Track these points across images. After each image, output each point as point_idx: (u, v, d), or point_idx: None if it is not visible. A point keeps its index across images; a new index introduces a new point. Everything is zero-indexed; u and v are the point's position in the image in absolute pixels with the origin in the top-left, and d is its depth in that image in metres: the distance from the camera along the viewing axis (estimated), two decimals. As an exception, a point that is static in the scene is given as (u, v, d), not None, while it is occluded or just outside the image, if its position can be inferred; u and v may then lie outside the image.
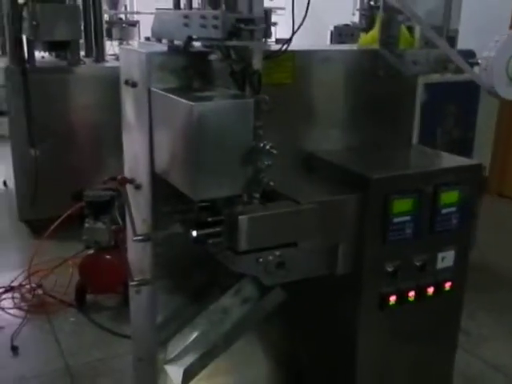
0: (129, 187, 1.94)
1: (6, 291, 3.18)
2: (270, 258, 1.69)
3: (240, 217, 1.55)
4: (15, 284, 3.23)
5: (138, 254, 1.99)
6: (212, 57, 1.72)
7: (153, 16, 5.43)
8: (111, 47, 6.81)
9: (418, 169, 1.93)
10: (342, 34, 5.30)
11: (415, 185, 1.84)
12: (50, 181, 3.89)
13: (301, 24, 1.81)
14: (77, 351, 2.75)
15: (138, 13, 7.56)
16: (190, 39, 1.69)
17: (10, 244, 3.92)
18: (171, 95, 1.59)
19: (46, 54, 4.38)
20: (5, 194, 4.55)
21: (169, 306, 1.99)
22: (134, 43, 7.34)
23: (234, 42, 1.54)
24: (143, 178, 1.84)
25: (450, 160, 2.03)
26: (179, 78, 1.75)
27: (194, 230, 1.62)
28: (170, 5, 5.94)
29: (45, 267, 3.25)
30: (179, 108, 1.53)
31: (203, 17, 1.59)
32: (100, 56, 4.27)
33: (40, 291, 3.16)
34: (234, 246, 1.60)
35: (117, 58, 6.66)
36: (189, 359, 1.84)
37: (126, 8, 7.64)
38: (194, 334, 1.92)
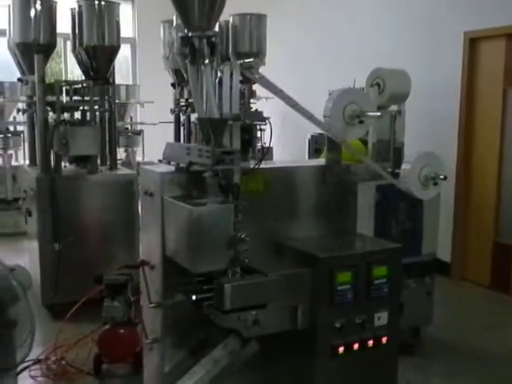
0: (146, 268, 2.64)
1: (35, 363, 3.76)
2: (248, 316, 2.37)
3: (225, 285, 2.24)
4: (42, 357, 3.81)
5: (151, 318, 2.65)
6: (206, 174, 2.48)
7: (154, 126, 6.37)
8: (118, 153, 7.66)
9: (354, 250, 2.66)
10: (317, 141, 6.21)
11: (353, 262, 2.55)
12: (69, 270, 4.55)
13: (267, 150, 2.61)
14: (96, 409, 3.33)
15: (141, 123, 8.48)
16: (190, 163, 2.46)
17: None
18: (178, 202, 2.35)
19: (67, 164, 5.17)
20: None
21: (174, 358, 2.64)
22: (139, 149, 8.24)
23: (220, 167, 2.31)
24: (157, 260, 2.54)
25: (379, 244, 2.76)
26: (183, 189, 2.51)
27: (193, 295, 2.32)
28: (171, 118, 6.90)
29: (67, 343, 3.85)
30: (183, 211, 2.27)
31: (200, 150, 2.38)
32: (113, 165, 5.10)
33: (63, 362, 3.75)
34: (221, 306, 2.27)
35: (123, 163, 7.52)
36: (189, 395, 2.46)
37: (131, 119, 8.59)
38: (194, 379, 2.54)
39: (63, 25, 5.27)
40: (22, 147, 7.59)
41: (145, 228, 2.75)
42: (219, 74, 2.43)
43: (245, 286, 2.29)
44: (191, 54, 2.37)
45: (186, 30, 2.36)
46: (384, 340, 2.65)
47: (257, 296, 2.34)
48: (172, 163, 2.63)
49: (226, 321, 2.36)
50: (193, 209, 2.19)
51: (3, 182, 7.42)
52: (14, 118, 7.66)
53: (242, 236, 2.25)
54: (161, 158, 2.76)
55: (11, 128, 7.74)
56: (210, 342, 2.61)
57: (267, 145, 2.83)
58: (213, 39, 2.38)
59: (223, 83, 2.35)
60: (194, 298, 2.30)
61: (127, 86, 8.43)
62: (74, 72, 9.63)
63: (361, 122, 2.72)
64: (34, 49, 4.63)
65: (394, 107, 4.09)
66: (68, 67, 9.86)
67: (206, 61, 2.33)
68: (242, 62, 2.32)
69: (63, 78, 8.78)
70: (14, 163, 7.58)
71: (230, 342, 2.55)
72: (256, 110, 2.90)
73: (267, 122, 2.48)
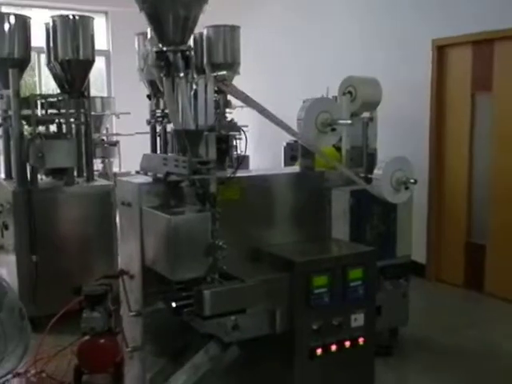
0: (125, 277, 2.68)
1: (14, 376, 3.75)
2: (228, 321, 2.43)
3: (204, 291, 2.29)
4: (21, 370, 3.80)
5: (131, 326, 2.68)
6: (183, 184, 2.54)
7: (130, 137, 6.34)
8: (95, 164, 7.63)
9: (330, 254, 2.74)
10: (293, 148, 6.30)
11: (328, 265, 2.62)
12: (47, 282, 4.56)
13: (242, 159, 2.68)
14: (78, 419, 3.34)
15: (117, 134, 8.48)
16: (167, 173, 2.52)
17: (13, 339, 4.50)
18: (156, 211, 2.40)
19: (43, 176, 5.17)
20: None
21: (155, 365, 2.68)
22: (115, 161, 8.24)
23: (196, 176, 2.37)
24: (136, 269, 2.59)
25: (354, 247, 2.85)
26: (160, 198, 2.55)
27: (173, 302, 2.37)
28: (147, 129, 6.93)
29: (46, 355, 3.84)
30: (162, 220, 2.32)
31: (176, 160, 2.43)
32: (90, 176, 5.12)
33: (43, 375, 3.75)
34: (201, 312, 2.33)
35: (100, 174, 7.52)
36: (172, 401, 2.50)
37: (107, 130, 8.58)
38: (176, 384, 2.59)
39: (37, 39, 5.29)
40: (-4, 161, 7.54)
41: (123, 238, 2.79)
42: (194, 87, 2.50)
43: (223, 292, 2.35)
44: (166, 68, 2.44)
45: (160, 45, 2.43)
46: (361, 341, 2.73)
47: (236, 301, 2.39)
48: (149, 174, 2.68)
49: (206, 327, 2.41)
50: (171, 218, 2.25)
51: (-22, 197, 7.36)
52: (-12, 131, 7.60)
53: (220, 243, 2.31)
54: (138, 168, 2.81)
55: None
56: (190, 349, 2.66)
57: (243, 153, 2.90)
58: (187, 53, 2.45)
59: (198, 96, 2.41)
60: (174, 305, 2.34)
61: (102, 97, 8.42)
62: (48, 85, 9.62)
63: (333, 129, 2.81)
64: (8, 63, 4.64)
65: (366, 114, 4.22)
66: (42, 80, 9.82)
67: (181, 74, 2.39)
68: (215, 74, 2.38)
69: (37, 91, 8.75)
70: (-12, 177, 7.52)
71: (210, 347, 2.60)
72: (231, 120, 2.97)
73: (242, 132, 2.54)
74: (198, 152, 2.43)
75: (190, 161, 2.34)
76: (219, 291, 2.34)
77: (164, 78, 2.47)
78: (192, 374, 2.58)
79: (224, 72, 2.36)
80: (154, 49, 2.42)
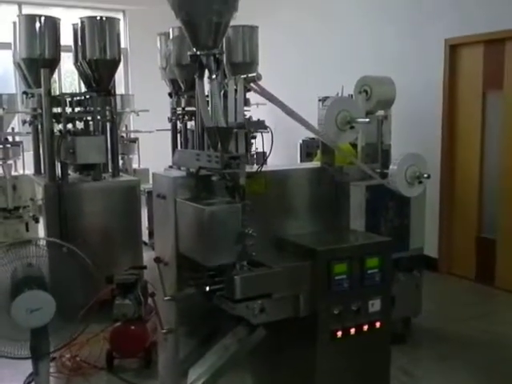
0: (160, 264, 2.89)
1: (50, 360, 3.98)
2: (255, 305, 2.62)
3: (235, 277, 2.49)
4: (56, 355, 4.03)
5: (166, 310, 2.89)
6: (213, 178, 2.74)
7: (148, 134, 6.60)
8: (115, 161, 7.81)
9: (349, 244, 2.93)
10: (308, 146, 6.50)
11: (348, 254, 2.81)
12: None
13: (268, 155, 2.89)
14: (112, 399, 3.58)
15: (136, 131, 8.71)
16: (200, 168, 2.72)
17: (46, 325, 4.75)
18: (190, 203, 2.60)
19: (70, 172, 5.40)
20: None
21: (187, 346, 2.89)
22: (134, 157, 8.46)
23: (228, 170, 2.56)
24: (170, 256, 2.80)
25: (371, 237, 3.04)
26: (193, 191, 2.76)
27: (206, 287, 2.57)
28: (168, 126, 7.13)
29: (79, 341, 4.06)
30: (196, 210, 2.52)
31: (209, 155, 2.64)
32: (116, 172, 5.35)
33: (78, 359, 3.98)
34: (232, 296, 2.53)
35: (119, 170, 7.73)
36: (204, 378, 2.71)
37: (126, 127, 8.81)
38: (206, 364, 2.80)
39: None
40: (21, 157, 7.78)
41: (158, 228, 3.00)
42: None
43: (252, 278, 2.54)
44: (199, 70, 2.64)
45: (194, 49, 2.63)
46: (377, 325, 2.91)
47: (263, 286, 2.58)
48: (182, 168, 2.88)
49: (236, 309, 2.60)
50: (205, 208, 2.45)
51: (3, 192, 7.60)
52: (13, 128, 7.85)
53: (250, 232, 2.50)
54: (155, 165, 3.01)
55: (10, 138, 7.92)
56: (219, 332, 2.86)
57: (265, 150, 3.10)
58: (218, 56, 2.65)
59: (228, 95, 2.61)
60: (207, 289, 2.55)
61: (122, 95, 8.64)
62: (65, 81, 9.88)
63: (352, 127, 2.99)
64: (39, 63, 4.88)
65: (380, 112, 4.40)
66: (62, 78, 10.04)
67: (213, 76, 2.59)
68: (245, 76, 2.58)
69: (57, 89, 8.99)
70: (13, 173, 7.77)
71: (238, 330, 2.79)
72: (250, 117, 3.16)
73: (269, 129, 2.74)
74: (229, 148, 2.63)
75: (222, 156, 2.54)
76: (248, 277, 2.53)
77: (197, 80, 2.68)
78: (222, 355, 2.77)
79: (254, 74, 2.55)
80: (189, 53, 2.62)
